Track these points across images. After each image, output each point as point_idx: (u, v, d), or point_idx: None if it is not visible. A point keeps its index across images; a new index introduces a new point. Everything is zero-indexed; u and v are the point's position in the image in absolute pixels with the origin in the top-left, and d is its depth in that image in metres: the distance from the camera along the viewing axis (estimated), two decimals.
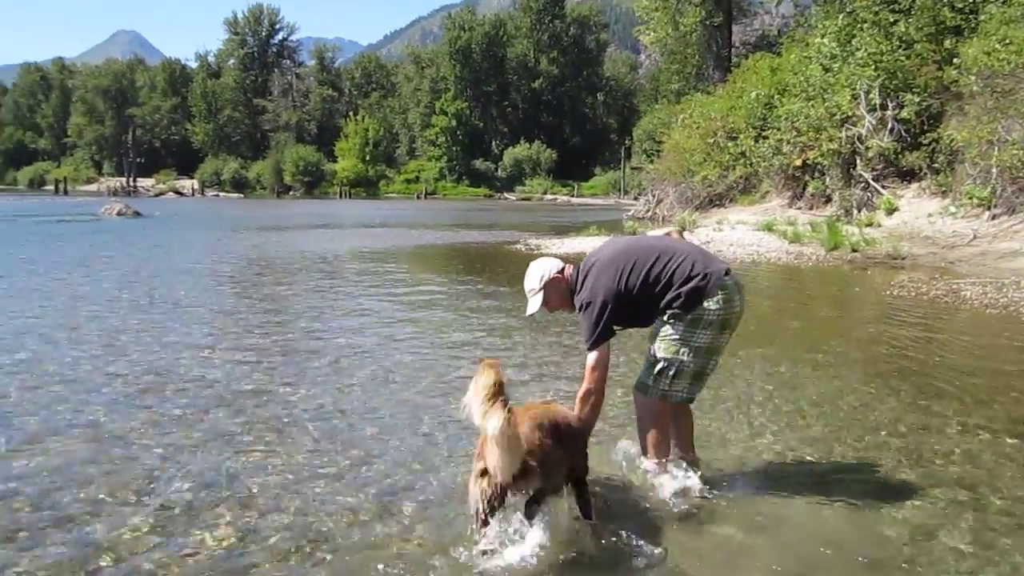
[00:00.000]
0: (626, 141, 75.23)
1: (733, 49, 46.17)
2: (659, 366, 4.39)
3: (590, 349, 4.36)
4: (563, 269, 4.58)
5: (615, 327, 4.44)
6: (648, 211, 32.19)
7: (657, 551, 3.67)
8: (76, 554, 3.66)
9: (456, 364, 7.40)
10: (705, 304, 4.32)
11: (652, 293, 4.37)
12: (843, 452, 5.12)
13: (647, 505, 4.21)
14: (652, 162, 39.63)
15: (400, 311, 10.64)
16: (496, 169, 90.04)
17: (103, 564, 3.57)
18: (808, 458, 5.00)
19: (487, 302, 11.48)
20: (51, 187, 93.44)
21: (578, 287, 4.50)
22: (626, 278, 4.40)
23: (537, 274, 4.54)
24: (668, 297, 4.33)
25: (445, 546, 3.70)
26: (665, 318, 4.37)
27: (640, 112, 78.57)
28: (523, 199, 77.36)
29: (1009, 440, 5.29)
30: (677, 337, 4.35)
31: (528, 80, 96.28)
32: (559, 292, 4.56)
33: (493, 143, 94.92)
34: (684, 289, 4.35)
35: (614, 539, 3.77)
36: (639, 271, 4.41)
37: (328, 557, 3.65)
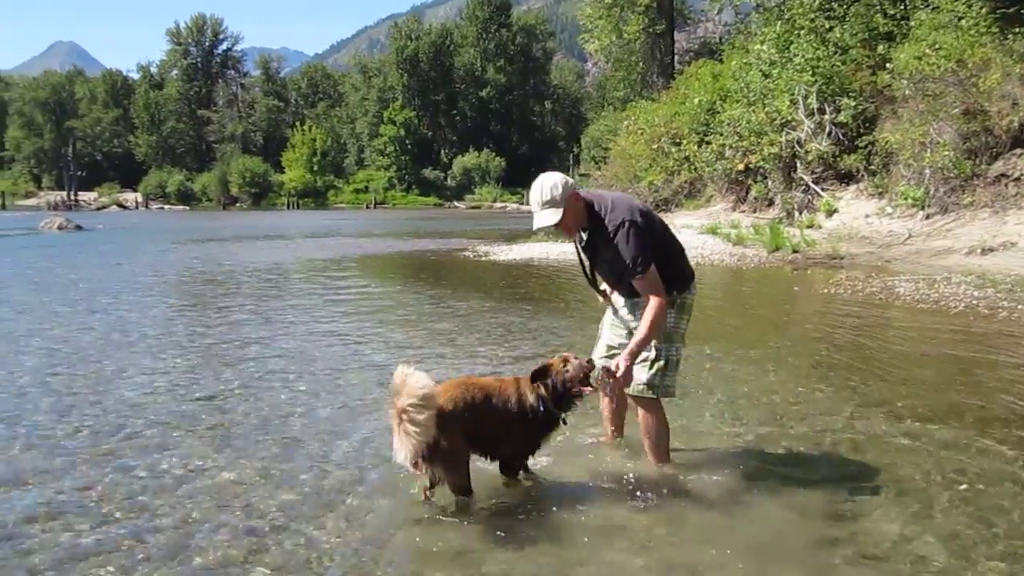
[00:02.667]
0: (574, 148, 75.84)
1: (676, 56, 46.85)
2: (660, 361, 4.36)
3: (643, 269, 4.16)
4: (576, 188, 4.30)
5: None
6: None
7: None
8: None
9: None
10: (690, 288, 4.46)
11: (669, 251, 4.38)
12: (776, 441, 5.32)
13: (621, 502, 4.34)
14: (600, 168, 40.02)
15: (344, 318, 10.67)
16: (446, 178, 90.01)
17: None
18: (744, 447, 5.19)
19: (430, 306, 11.59)
20: None
21: (605, 209, 4.27)
22: (654, 219, 4.36)
23: (554, 184, 4.21)
24: (672, 270, 4.32)
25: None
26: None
27: (588, 119, 79.21)
28: (473, 207, 77.40)
29: (932, 425, 5.54)
30: (672, 325, 4.36)
31: (476, 89, 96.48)
32: (575, 210, 4.28)
33: (442, 152, 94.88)
34: (685, 265, 4.45)
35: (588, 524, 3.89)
36: (661, 221, 4.43)
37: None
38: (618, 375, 4.07)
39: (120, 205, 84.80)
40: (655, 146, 28.78)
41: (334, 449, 5.18)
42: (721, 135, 24.21)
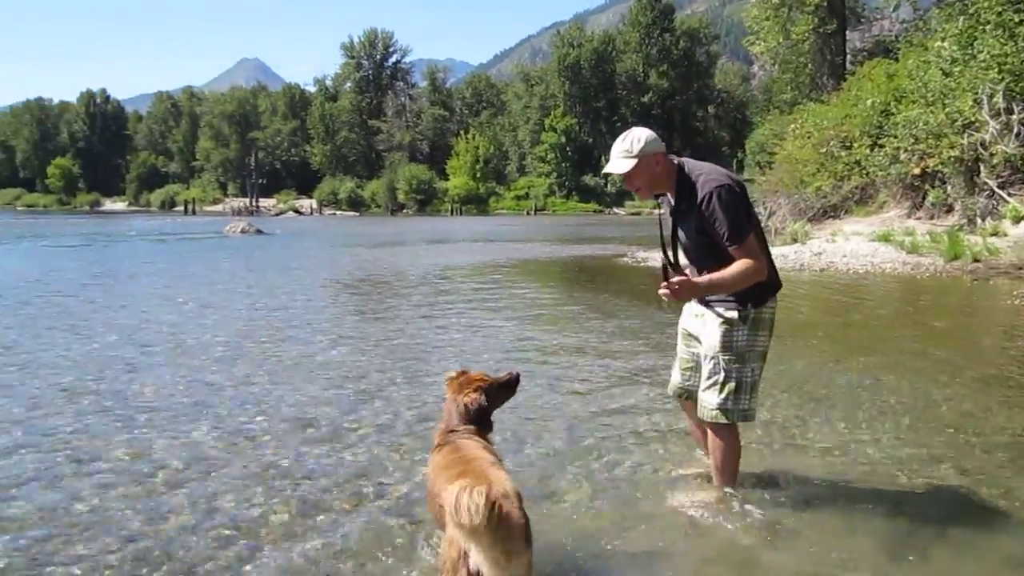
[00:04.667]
0: (738, 153, 73.98)
1: (847, 56, 44.90)
2: (731, 383, 4.04)
3: (741, 238, 3.88)
4: (666, 153, 4.08)
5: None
6: (761, 224, 31.54)
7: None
8: None
9: (554, 366, 7.58)
10: (771, 301, 4.08)
11: (760, 239, 4.05)
12: (937, 457, 5.04)
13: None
14: (764, 174, 38.86)
15: (502, 319, 10.90)
16: (605, 184, 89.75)
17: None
18: (896, 463, 4.95)
19: (582, 309, 11.64)
20: (180, 208, 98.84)
21: (697, 173, 4.02)
22: (748, 198, 4.06)
23: (638, 138, 4.02)
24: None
25: None
26: (726, 316, 4.03)
27: (752, 123, 77.13)
28: (632, 214, 76.83)
29: None
30: (745, 343, 4.02)
31: (637, 95, 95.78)
32: (651, 172, 4.05)
33: (602, 158, 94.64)
34: (772, 270, 4.04)
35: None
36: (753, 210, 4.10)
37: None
38: (670, 288, 3.79)
39: (296, 211, 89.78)
40: (823, 150, 27.65)
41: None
42: (895, 137, 23.00)
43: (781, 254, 19.24)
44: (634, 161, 3.98)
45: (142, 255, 24.82)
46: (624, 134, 4.09)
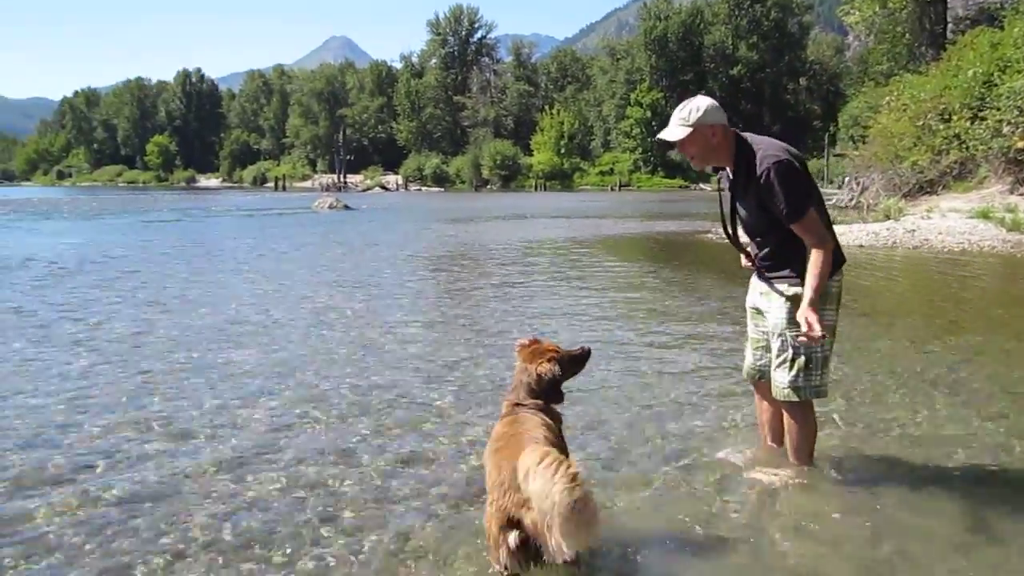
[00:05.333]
0: (830, 127, 71.72)
1: (948, 25, 42.99)
2: (800, 359, 3.95)
3: (803, 211, 3.80)
4: (726, 126, 4.00)
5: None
6: (852, 200, 30.67)
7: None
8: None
9: (637, 344, 7.55)
10: (834, 276, 3.94)
11: (821, 212, 3.93)
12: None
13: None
14: (857, 148, 37.66)
15: (584, 294, 10.90)
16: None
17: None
18: (985, 447, 4.79)
19: (667, 285, 11.55)
20: (271, 184, 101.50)
21: (756, 146, 3.92)
22: (809, 172, 3.95)
23: (697, 107, 3.97)
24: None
25: None
26: (789, 293, 3.94)
27: (846, 96, 74.66)
28: (719, 189, 75.41)
29: None
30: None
31: (726, 67, 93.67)
32: (706, 142, 3.98)
33: None
34: (835, 244, 3.94)
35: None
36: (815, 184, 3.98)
37: None
38: (812, 332, 3.65)
39: (382, 187, 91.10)
40: (920, 123, 26.62)
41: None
42: (998, 110, 22.00)
43: (872, 231, 18.67)
44: (688, 130, 3.95)
45: (236, 230, 25.62)
46: (685, 102, 4.05)
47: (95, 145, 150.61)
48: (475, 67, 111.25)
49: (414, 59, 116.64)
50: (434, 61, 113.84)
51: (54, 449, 4.78)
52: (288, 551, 3.54)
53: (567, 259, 16.24)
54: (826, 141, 72.11)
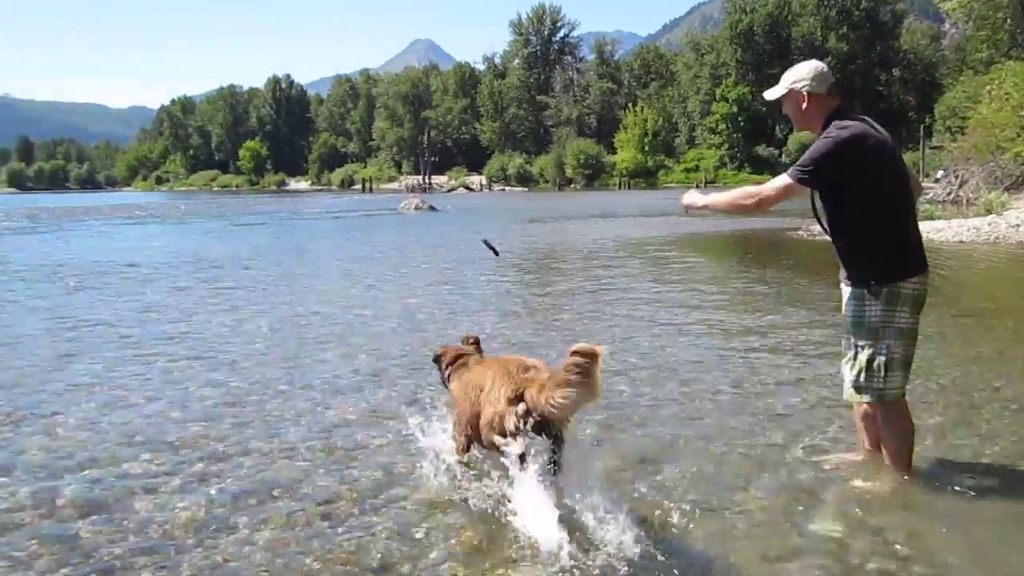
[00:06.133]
0: (926, 119, 69.30)
1: None
2: (862, 360, 3.89)
3: (793, 171, 3.86)
4: (830, 92, 4.00)
5: (820, 187, 3.92)
6: (950, 194, 29.51)
7: None
8: None
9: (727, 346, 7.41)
10: (909, 279, 3.84)
11: (884, 210, 3.81)
12: None
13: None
14: (955, 140, 36.28)
15: (669, 294, 10.75)
16: (780, 155, 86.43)
17: None
18: None
19: (754, 286, 11.30)
20: (358, 186, 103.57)
21: (838, 122, 3.89)
22: (880, 159, 3.82)
23: (795, 72, 4.08)
24: (883, 242, 3.80)
25: None
26: (853, 291, 3.91)
27: (942, 86, 72.04)
28: None
29: None
30: (878, 318, 3.83)
31: (815, 59, 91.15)
32: (796, 107, 4.05)
33: (776, 128, 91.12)
34: (907, 244, 3.86)
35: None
36: (895, 172, 3.88)
37: None
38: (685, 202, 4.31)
39: (466, 187, 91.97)
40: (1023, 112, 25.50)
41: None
42: None
43: (973, 226, 17.93)
44: (782, 91, 4.08)
45: (326, 232, 26.21)
46: (799, 64, 4.16)
47: (190, 151, 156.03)
48: (558, 66, 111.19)
49: (497, 60, 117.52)
50: (517, 61, 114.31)
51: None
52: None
53: (651, 258, 16.09)
54: (921, 133, 69.58)
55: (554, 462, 3.68)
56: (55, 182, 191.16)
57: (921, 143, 68.92)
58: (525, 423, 3.54)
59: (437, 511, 3.89)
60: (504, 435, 3.59)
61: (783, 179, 3.86)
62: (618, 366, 6.54)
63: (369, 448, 4.81)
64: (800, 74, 4.02)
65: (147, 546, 3.57)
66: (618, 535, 3.42)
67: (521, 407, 3.56)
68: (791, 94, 4.04)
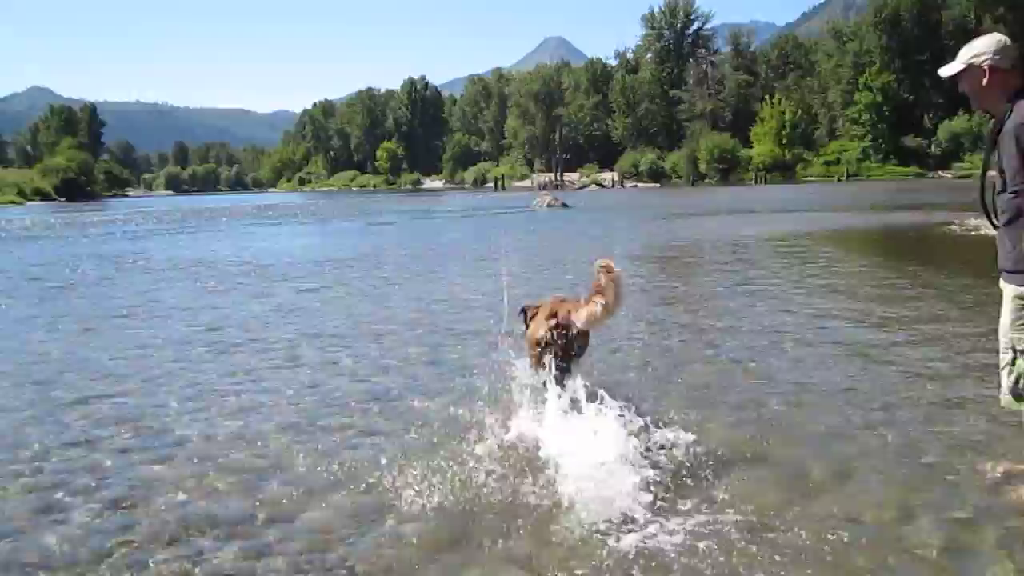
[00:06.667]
0: None
1: None
2: (1020, 363, 3.65)
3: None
4: (1014, 66, 3.72)
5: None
6: None
7: None
8: None
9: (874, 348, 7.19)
10: None
11: None
12: None
13: None
14: None
15: (808, 294, 10.49)
16: (929, 145, 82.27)
17: None
18: None
19: (903, 284, 10.86)
20: (491, 184, 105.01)
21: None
22: None
23: (975, 46, 3.79)
24: None
25: None
26: (1017, 292, 3.62)
27: None
28: (962, 177, 69.86)
29: None
30: None
31: (969, 43, 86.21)
32: (976, 82, 3.76)
33: (925, 117, 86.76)
34: None
35: None
36: None
37: None
38: None
39: (598, 184, 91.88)
40: None
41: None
42: None
43: None
44: (959, 67, 3.81)
45: (463, 228, 26.77)
46: (978, 38, 3.87)
47: (331, 152, 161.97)
48: (691, 59, 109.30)
49: (629, 55, 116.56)
50: (649, 56, 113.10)
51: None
52: None
53: (790, 255, 15.67)
54: None
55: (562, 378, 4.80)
56: (207, 184, 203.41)
57: None
58: (554, 334, 4.75)
59: None
60: (540, 344, 4.80)
61: None
62: None
63: None
64: (981, 48, 3.74)
65: None
66: None
67: (552, 321, 4.80)
68: (971, 69, 3.76)
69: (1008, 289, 3.75)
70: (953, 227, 19.36)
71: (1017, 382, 3.69)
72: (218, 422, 5.52)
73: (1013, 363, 3.69)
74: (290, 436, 5.17)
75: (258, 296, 11.65)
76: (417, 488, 4.12)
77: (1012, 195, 3.52)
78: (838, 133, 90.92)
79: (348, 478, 4.37)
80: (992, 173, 3.80)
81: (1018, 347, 3.65)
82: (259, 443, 5.03)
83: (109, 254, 19.45)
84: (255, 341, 8.25)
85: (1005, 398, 3.78)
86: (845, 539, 3.42)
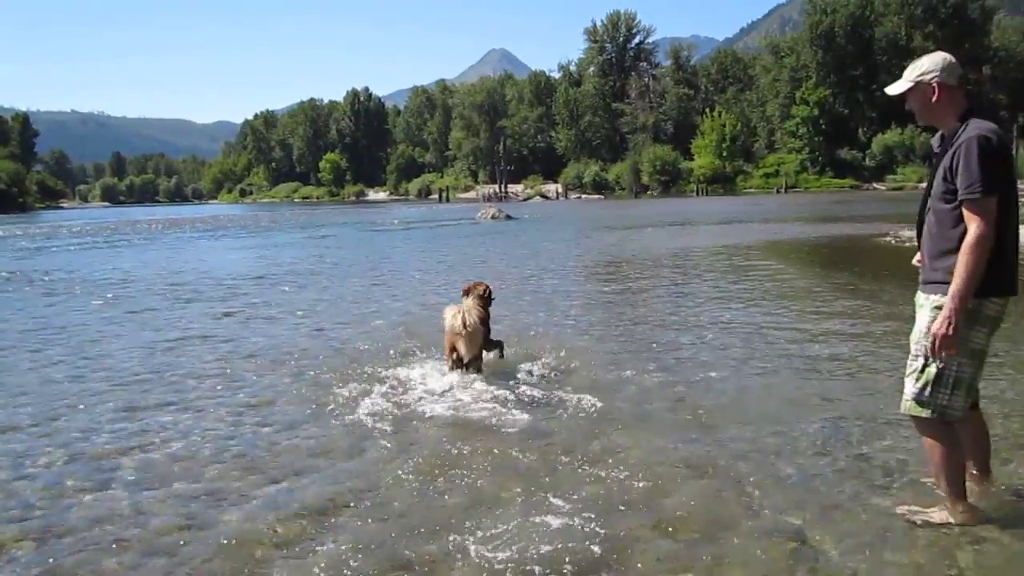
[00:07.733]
0: (1019, 118, 66.72)
1: None
2: (930, 371, 3.67)
3: (983, 191, 3.49)
4: (959, 83, 3.82)
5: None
6: None
7: None
8: None
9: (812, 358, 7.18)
10: (992, 297, 3.63)
11: (1005, 221, 3.59)
12: None
13: None
14: None
15: (750, 304, 10.50)
16: (863, 158, 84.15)
17: None
18: None
19: (843, 295, 10.95)
20: (435, 196, 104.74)
21: (972, 121, 3.71)
22: (1009, 163, 3.67)
23: (921, 65, 3.84)
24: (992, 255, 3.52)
25: None
26: (938, 304, 3.60)
27: None
28: (894, 189, 71.67)
29: None
30: (959, 336, 3.56)
31: (899, 59, 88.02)
32: (925, 99, 3.84)
33: (859, 131, 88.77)
34: (1009, 259, 3.64)
35: None
36: (1012, 180, 3.65)
37: None
38: (939, 338, 3.54)
39: (543, 195, 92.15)
40: None
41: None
42: None
43: None
44: (908, 85, 3.88)
45: (407, 242, 26.46)
46: (923, 57, 3.94)
47: (273, 164, 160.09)
48: (633, 72, 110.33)
49: (572, 68, 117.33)
50: (592, 69, 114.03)
51: None
52: None
53: (731, 267, 15.78)
54: (1014, 132, 66.97)
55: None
56: (146, 195, 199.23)
57: (1014, 143, 66.07)
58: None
59: None
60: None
61: (986, 203, 3.51)
62: None
63: None
64: (928, 66, 3.81)
65: None
66: None
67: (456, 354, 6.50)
68: (919, 87, 3.84)
69: (930, 297, 3.74)
70: (888, 239, 19.71)
71: (924, 388, 3.70)
72: None
73: (923, 370, 3.70)
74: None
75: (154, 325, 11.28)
76: None
77: (971, 199, 3.54)
78: (776, 146, 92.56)
79: None
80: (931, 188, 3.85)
81: (928, 354, 3.65)
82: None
83: (25, 269, 18.76)
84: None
85: (907, 403, 3.79)
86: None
